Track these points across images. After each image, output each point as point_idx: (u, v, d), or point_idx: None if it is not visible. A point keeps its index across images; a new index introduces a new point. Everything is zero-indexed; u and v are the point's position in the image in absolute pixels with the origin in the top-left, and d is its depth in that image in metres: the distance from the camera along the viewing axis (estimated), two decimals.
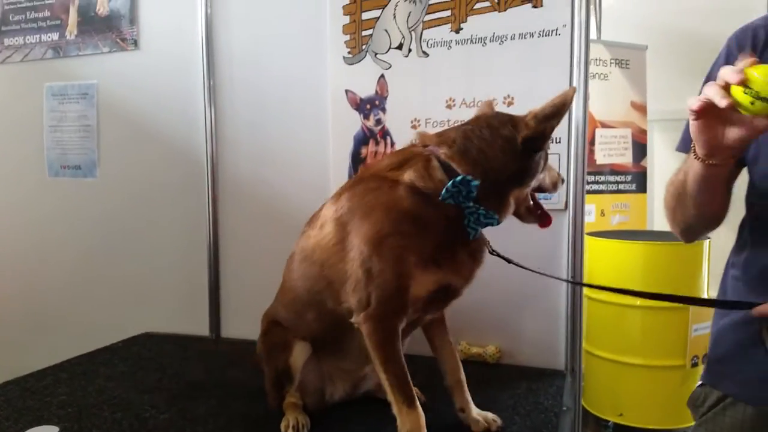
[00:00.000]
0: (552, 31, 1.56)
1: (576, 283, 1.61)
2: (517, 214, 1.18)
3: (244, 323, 1.93)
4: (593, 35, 4.08)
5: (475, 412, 1.24)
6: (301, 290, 1.25)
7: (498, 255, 1.17)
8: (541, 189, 1.21)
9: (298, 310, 1.28)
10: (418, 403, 1.09)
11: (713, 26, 4.50)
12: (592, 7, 3.82)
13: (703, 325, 3.11)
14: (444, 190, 1.05)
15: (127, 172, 2.10)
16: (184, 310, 2.06)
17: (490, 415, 1.25)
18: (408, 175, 1.09)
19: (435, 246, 1.07)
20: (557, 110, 1.06)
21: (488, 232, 1.16)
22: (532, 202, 1.21)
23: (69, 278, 2.21)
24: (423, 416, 1.08)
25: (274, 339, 1.30)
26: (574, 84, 1.54)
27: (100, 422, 1.29)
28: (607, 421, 3.29)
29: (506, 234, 1.18)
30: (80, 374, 1.62)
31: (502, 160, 1.08)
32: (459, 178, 1.05)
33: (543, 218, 1.22)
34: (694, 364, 3.11)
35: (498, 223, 1.11)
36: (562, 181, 1.27)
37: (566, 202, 1.59)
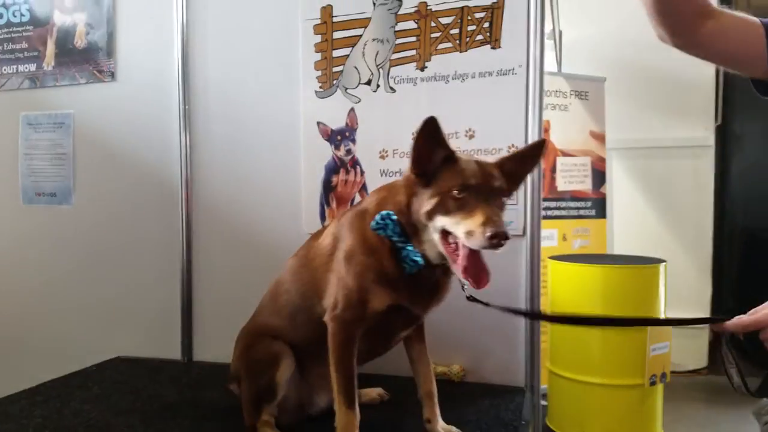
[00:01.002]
0: (509, 70, 1.68)
1: (533, 317, 1.72)
2: (449, 254, 1.12)
3: (216, 347, 1.99)
4: (554, 68, 4.28)
5: (441, 425, 1.33)
6: (295, 294, 1.36)
7: (475, 300, 1.25)
8: (451, 238, 1.11)
9: (290, 314, 1.37)
10: (356, 405, 1.20)
11: (668, 59, 4.76)
12: (552, 41, 4.00)
13: (660, 345, 3.25)
14: (374, 222, 1.17)
15: (102, 199, 2.15)
16: (156, 334, 2.10)
17: (453, 429, 1.34)
18: (373, 206, 1.24)
19: (391, 270, 1.18)
20: (420, 135, 1.11)
21: None
22: (456, 251, 1.10)
23: (42, 303, 2.23)
24: (358, 417, 1.20)
25: (259, 353, 1.36)
26: (531, 121, 1.66)
27: None
28: None
29: None
30: (55, 397, 1.64)
31: (402, 202, 1.18)
32: (385, 213, 1.17)
33: (458, 266, 1.10)
34: (653, 383, 3.23)
35: (426, 264, 1.17)
36: (487, 231, 1.02)
37: (524, 228, 1.70)
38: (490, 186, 1.11)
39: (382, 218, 1.17)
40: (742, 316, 1.07)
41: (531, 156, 1.24)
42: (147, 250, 2.11)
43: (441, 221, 1.10)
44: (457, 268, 1.09)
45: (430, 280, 1.22)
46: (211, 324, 2.05)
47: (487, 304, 1.25)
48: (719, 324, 1.10)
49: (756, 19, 1.17)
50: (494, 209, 1.07)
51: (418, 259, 1.16)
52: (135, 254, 2.12)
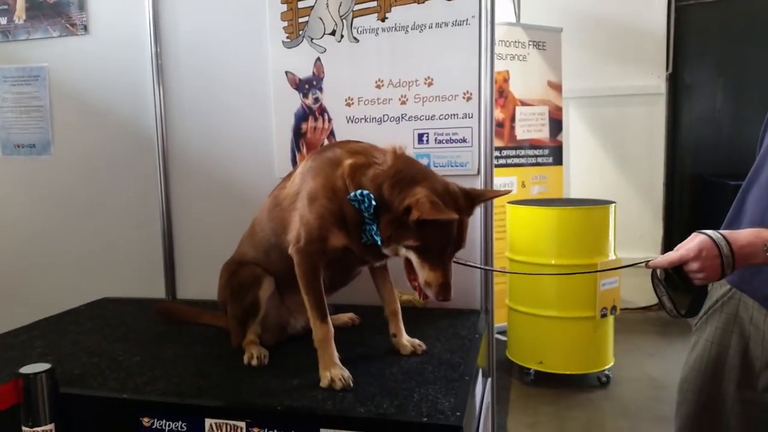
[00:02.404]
0: (463, 21, 1.82)
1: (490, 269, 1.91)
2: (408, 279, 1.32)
3: (197, 284, 2.15)
4: (513, 19, 4.40)
5: (405, 338, 1.52)
6: (269, 232, 1.51)
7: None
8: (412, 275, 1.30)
9: (265, 250, 1.53)
10: (329, 318, 1.37)
11: (623, 9, 4.94)
12: None
13: (610, 280, 3.51)
14: (352, 194, 1.30)
15: (81, 150, 2.24)
16: (140, 276, 2.23)
17: (416, 341, 1.53)
18: (348, 162, 1.34)
19: (348, 220, 1.32)
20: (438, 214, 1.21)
21: None
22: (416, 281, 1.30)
23: (28, 251, 2.34)
24: (332, 329, 1.37)
25: (243, 276, 1.53)
26: (483, 70, 1.81)
27: (80, 365, 1.48)
28: (529, 370, 3.66)
29: None
30: (52, 331, 1.79)
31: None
32: (365, 191, 1.29)
33: (416, 289, 1.31)
34: (603, 315, 3.51)
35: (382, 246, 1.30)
36: (436, 289, 1.26)
37: (478, 168, 1.87)
38: (459, 247, 1.30)
39: (361, 195, 1.29)
40: (670, 252, 1.25)
41: (477, 197, 1.37)
42: (127, 196, 2.22)
43: (410, 255, 1.27)
44: (417, 292, 1.31)
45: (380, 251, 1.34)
46: (192, 264, 2.19)
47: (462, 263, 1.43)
48: (648, 263, 1.29)
49: None
50: (450, 269, 1.28)
51: (378, 239, 1.29)
52: (115, 201, 2.24)
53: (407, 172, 1.29)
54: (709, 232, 1.22)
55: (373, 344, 1.58)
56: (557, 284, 3.53)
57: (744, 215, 1.36)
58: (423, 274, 1.27)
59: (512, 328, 3.82)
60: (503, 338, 3.93)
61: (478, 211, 1.86)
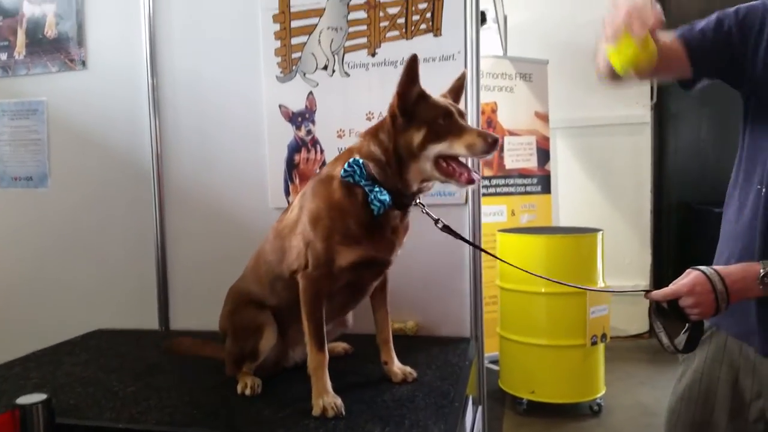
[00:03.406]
0: (450, 56, 1.89)
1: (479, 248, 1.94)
2: (446, 174, 1.30)
3: (191, 316, 2.17)
4: (500, 52, 4.51)
5: (396, 365, 1.55)
6: (274, 263, 1.51)
7: (448, 231, 1.45)
8: (455, 156, 1.30)
9: (270, 282, 1.53)
10: (326, 347, 1.39)
11: None
12: (497, 26, 4.20)
13: (600, 307, 3.55)
14: (342, 170, 1.35)
15: (77, 181, 2.27)
16: (134, 307, 2.24)
17: (407, 368, 1.56)
18: (339, 170, 1.38)
19: (356, 227, 1.35)
20: (405, 73, 1.34)
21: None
22: (452, 167, 1.30)
23: (23, 282, 2.35)
24: (327, 358, 1.38)
25: (245, 319, 1.53)
26: (470, 103, 1.88)
27: (76, 396, 1.50)
28: (522, 399, 3.67)
29: (418, 227, 1.51)
30: (47, 363, 1.80)
31: (385, 142, 1.34)
32: (352, 160, 1.35)
33: (460, 177, 1.29)
34: (594, 343, 3.53)
35: (399, 199, 1.35)
36: (487, 139, 1.25)
37: (466, 197, 1.92)
38: (459, 110, 1.35)
39: (350, 165, 1.33)
40: (666, 287, 1.28)
41: (459, 87, 1.50)
42: (122, 228, 2.25)
43: (434, 149, 1.29)
44: (458, 178, 1.29)
45: (391, 224, 1.39)
46: (186, 295, 2.21)
47: (457, 235, 1.45)
48: (647, 293, 1.32)
49: (671, 35, 1.33)
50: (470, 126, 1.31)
51: (386, 197, 1.32)
52: (111, 232, 2.26)
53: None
54: (702, 268, 1.25)
55: (365, 372, 1.60)
56: (547, 312, 3.56)
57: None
58: (457, 147, 1.27)
59: (504, 357, 3.84)
60: (495, 368, 3.94)
61: (466, 228, 1.93)
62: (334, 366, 1.42)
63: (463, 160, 1.32)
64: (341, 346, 1.80)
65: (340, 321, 1.65)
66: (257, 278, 1.59)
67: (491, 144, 1.25)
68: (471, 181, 1.30)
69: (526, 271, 1.63)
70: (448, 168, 1.30)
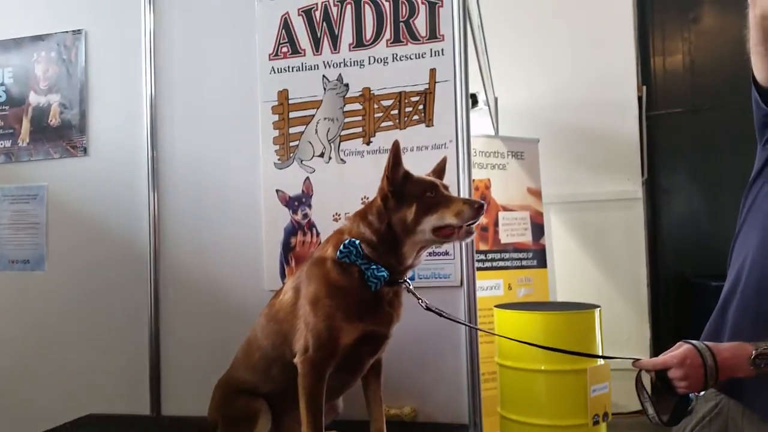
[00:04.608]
0: (442, 144, 1.96)
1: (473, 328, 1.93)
2: (444, 236, 1.38)
3: (182, 401, 2.14)
4: (491, 132, 4.64)
5: None
6: (268, 347, 1.51)
7: (430, 310, 1.48)
8: (447, 227, 1.37)
9: (264, 369, 1.52)
10: None
11: (596, 119, 5.21)
12: (488, 108, 4.33)
13: (600, 386, 3.48)
14: (338, 252, 1.39)
15: (74, 264, 2.28)
16: (125, 391, 2.21)
17: None
18: (331, 252, 1.42)
19: (356, 304, 1.38)
20: (391, 157, 1.42)
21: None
22: (448, 230, 1.37)
23: (15, 364, 2.32)
24: None
25: (238, 409, 1.51)
26: (462, 184, 1.92)
27: None
28: None
29: (412, 310, 1.51)
30: None
31: (375, 223, 1.41)
32: (348, 241, 1.39)
33: (459, 234, 1.38)
34: (596, 422, 3.44)
35: (396, 275, 1.40)
36: (474, 205, 1.35)
37: (461, 279, 1.94)
38: (443, 184, 1.44)
39: (345, 247, 1.37)
40: (656, 357, 1.29)
41: (441, 168, 1.58)
42: (116, 310, 2.24)
43: (428, 222, 1.37)
44: (457, 235, 1.37)
45: (386, 299, 1.42)
46: (178, 380, 2.18)
47: (441, 314, 1.48)
48: (635, 362, 1.34)
49: None
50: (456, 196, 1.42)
51: (383, 273, 1.36)
52: (105, 315, 2.25)
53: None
54: (694, 342, 1.26)
55: None
56: (547, 391, 3.49)
57: (726, 323, 1.39)
58: (447, 217, 1.35)
59: None
60: None
61: (462, 309, 1.93)
62: None
63: None
64: None
65: (331, 406, 1.62)
66: (250, 365, 1.57)
67: (477, 209, 1.35)
68: (470, 233, 1.37)
69: (523, 342, 1.62)
70: (445, 230, 1.38)
